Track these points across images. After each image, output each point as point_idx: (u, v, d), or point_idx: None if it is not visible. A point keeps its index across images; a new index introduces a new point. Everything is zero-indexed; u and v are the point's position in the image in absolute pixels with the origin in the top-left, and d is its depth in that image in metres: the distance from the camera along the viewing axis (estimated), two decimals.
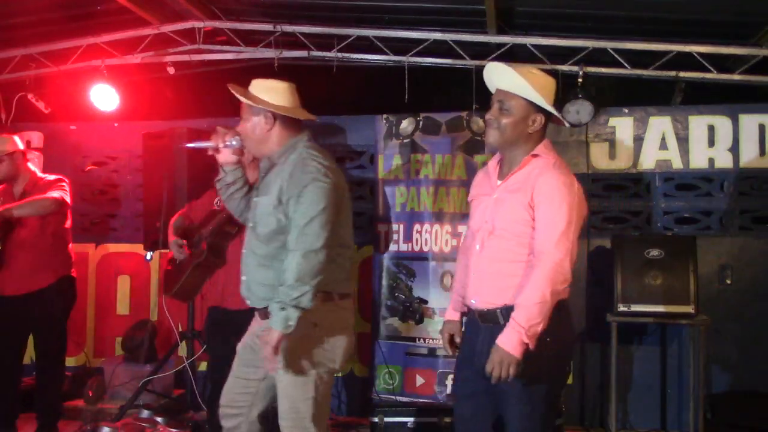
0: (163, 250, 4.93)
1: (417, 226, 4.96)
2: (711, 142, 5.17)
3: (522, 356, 2.58)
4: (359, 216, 5.31)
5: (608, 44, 5.13)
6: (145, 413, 4.90)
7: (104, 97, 5.81)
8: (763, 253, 5.08)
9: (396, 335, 4.98)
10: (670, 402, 5.11)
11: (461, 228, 4.73)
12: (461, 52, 5.37)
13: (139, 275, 5.87)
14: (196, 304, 5.01)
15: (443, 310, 3.21)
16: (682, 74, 5.20)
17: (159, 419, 4.78)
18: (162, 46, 5.79)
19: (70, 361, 5.21)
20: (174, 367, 5.31)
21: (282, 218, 2.86)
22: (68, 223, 4.65)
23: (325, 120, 5.53)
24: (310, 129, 3.05)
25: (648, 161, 5.23)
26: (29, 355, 4.89)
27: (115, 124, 6.03)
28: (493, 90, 2.86)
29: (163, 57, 5.81)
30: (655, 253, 4.66)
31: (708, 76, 5.13)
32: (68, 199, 4.53)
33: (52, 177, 4.61)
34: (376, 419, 4.61)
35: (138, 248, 5.56)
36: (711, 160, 5.17)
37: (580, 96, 5.03)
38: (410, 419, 4.58)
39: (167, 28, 5.59)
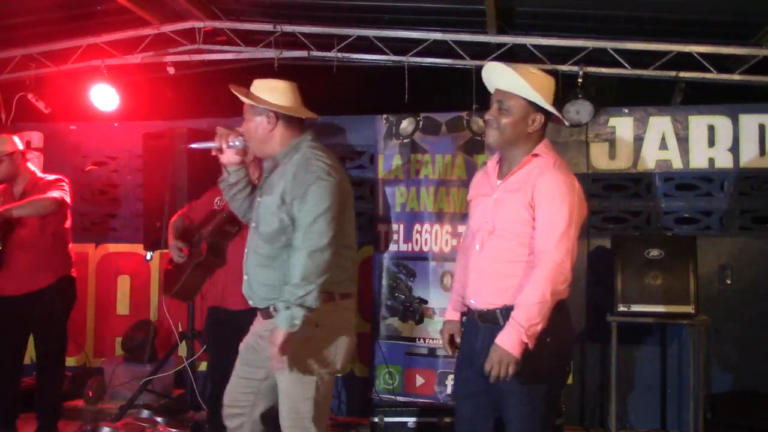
0: (163, 250, 4.93)
1: (417, 226, 4.96)
2: (711, 142, 5.17)
3: (521, 356, 2.58)
4: (359, 216, 5.30)
5: (608, 44, 5.13)
6: (145, 413, 4.90)
7: (104, 97, 5.82)
8: (763, 253, 5.08)
9: (396, 335, 4.98)
10: (670, 402, 5.11)
11: (461, 228, 4.73)
12: (461, 52, 5.37)
13: (139, 275, 5.88)
14: (196, 304, 5.01)
15: (443, 310, 3.22)
16: (682, 74, 5.20)
17: (159, 419, 4.78)
18: (162, 46, 5.79)
19: (70, 361, 5.21)
20: (174, 367, 5.31)
21: (285, 218, 2.86)
22: (68, 223, 4.65)
23: (325, 120, 5.53)
24: (310, 129, 3.05)
25: (648, 161, 5.23)
26: (29, 355, 4.88)
27: (115, 124, 6.03)
28: (491, 90, 2.86)
29: (163, 57, 5.81)
30: (655, 253, 4.66)
31: (708, 76, 5.13)
32: (68, 199, 4.53)
33: (51, 177, 4.61)
34: (376, 419, 4.61)
35: (138, 248, 5.55)
36: (711, 160, 5.17)
37: (580, 96, 5.03)
38: (410, 419, 4.58)
39: (167, 28, 5.59)
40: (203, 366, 5.35)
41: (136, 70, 6.09)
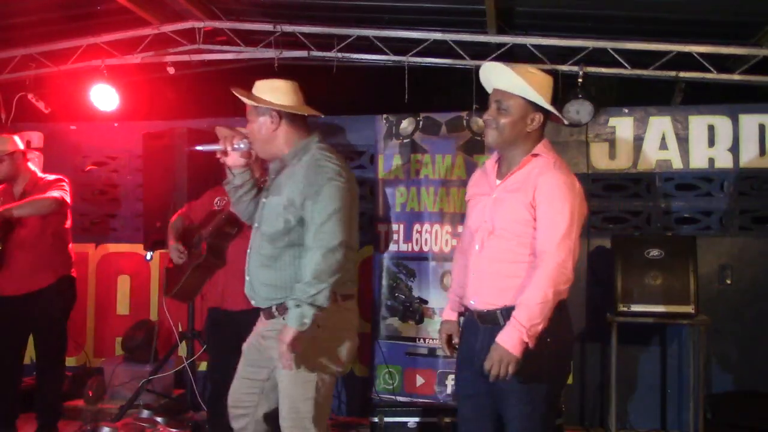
0: (164, 250, 4.92)
1: (417, 226, 4.96)
2: (711, 142, 5.17)
3: (521, 355, 2.58)
4: (359, 216, 5.30)
5: (608, 44, 5.13)
6: (145, 413, 4.90)
7: (104, 97, 5.81)
8: (763, 253, 5.08)
9: (396, 335, 4.98)
10: (670, 402, 5.11)
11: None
12: (461, 52, 5.36)
13: (139, 275, 5.87)
14: (197, 304, 5.01)
15: (443, 310, 3.22)
16: (682, 74, 5.20)
17: (159, 419, 4.78)
18: (162, 46, 5.79)
19: (70, 361, 5.21)
20: (174, 367, 5.31)
21: (291, 219, 2.87)
22: (68, 223, 4.65)
23: (325, 120, 5.52)
24: (317, 131, 3.06)
25: (648, 161, 5.23)
26: (29, 355, 4.88)
27: (115, 124, 6.03)
28: (489, 90, 2.85)
29: (163, 57, 5.81)
30: (655, 253, 4.66)
31: (708, 76, 5.13)
32: (68, 199, 4.54)
33: (52, 177, 4.61)
34: (376, 419, 4.61)
35: (138, 248, 5.55)
36: (711, 160, 5.17)
37: (580, 96, 5.03)
38: (410, 419, 4.58)
39: (167, 28, 5.59)
40: (203, 366, 5.35)
41: (136, 70, 6.09)
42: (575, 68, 5.16)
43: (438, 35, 5.34)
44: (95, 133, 6.01)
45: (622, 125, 5.28)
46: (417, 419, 4.58)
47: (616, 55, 5.16)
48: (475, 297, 2.81)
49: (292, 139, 2.97)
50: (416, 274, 4.94)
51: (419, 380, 4.88)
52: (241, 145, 3.01)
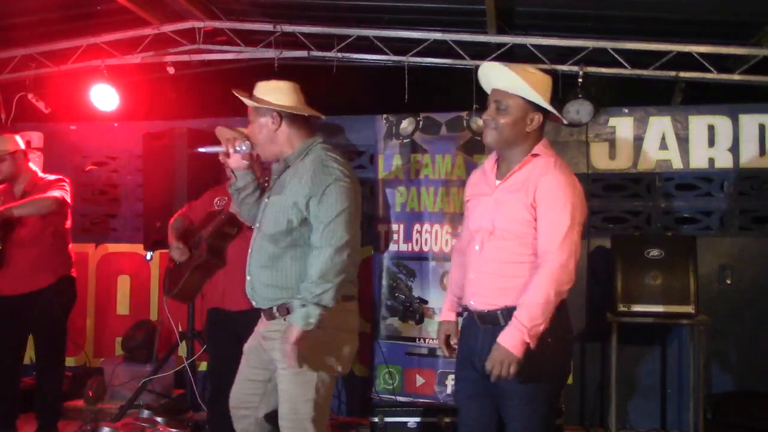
0: (164, 250, 4.93)
1: (417, 226, 4.97)
2: (711, 142, 5.17)
3: (523, 356, 2.58)
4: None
5: (608, 44, 5.13)
6: (145, 413, 4.90)
7: (104, 97, 5.81)
8: (763, 253, 5.08)
9: (396, 335, 4.98)
10: (670, 402, 5.11)
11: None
12: (461, 52, 5.36)
13: (139, 275, 5.87)
14: (197, 304, 5.00)
15: (442, 311, 3.22)
16: (682, 74, 5.19)
17: (159, 419, 4.78)
18: (162, 46, 5.78)
19: (70, 361, 5.21)
20: (174, 367, 5.31)
21: (294, 219, 2.87)
22: (68, 223, 4.65)
23: (325, 120, 5.51)
24: (320, 132, 3.06)
25: (648, 161, 5.23)
26: (29, 355, 4.89)
27: (115, 124, 6.03)
28: (488, 90, 2.85)
29: (163, 57, 5.80)
30: (655, 253, 4.66)
31: (708, 76, 5.13)
32: (69, 199, 4.54)
33: (52, 177, 4.62)
34: (376, 419, 4.61)
35: (138, 248, 5.55)
36: (711, 160, 5.17)
37: (580, 96, 5.03)
38: (410, 419, 4.58)
39: (167, 28, 5.59)
40: (203, 366, 5.35)
41: (136, 70, 6.09)
42: (575, 68, 5.15)
43: (438, 35, 5.34)
44: (95, 133, 6.01)
45: (622, 125, 5.28)
46: (417, 419, 4.57)
47: (616, 55, 5.15)
48: (474, 297, 2.81)
49: (294, 139, 2.98)
50: (416, 274, 4.95)
51: (419, 380, 4.88)
52: (243, 147, 3.00)
